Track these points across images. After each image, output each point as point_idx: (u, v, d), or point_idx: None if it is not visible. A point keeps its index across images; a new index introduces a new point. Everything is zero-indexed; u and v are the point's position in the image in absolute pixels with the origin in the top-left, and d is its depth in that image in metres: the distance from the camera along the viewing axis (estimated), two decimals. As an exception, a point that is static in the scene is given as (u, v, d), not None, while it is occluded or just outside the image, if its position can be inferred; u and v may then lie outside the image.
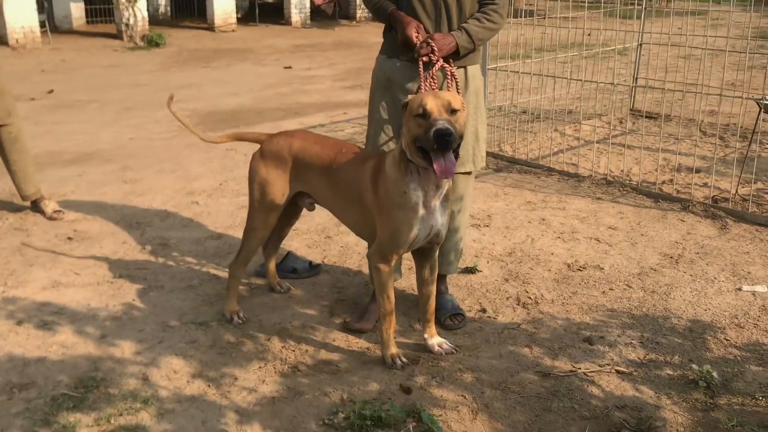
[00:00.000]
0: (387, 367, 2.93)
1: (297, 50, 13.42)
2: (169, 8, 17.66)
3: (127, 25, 13.85)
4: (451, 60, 3.00)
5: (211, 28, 15.62)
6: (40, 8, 13.43)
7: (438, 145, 2.51)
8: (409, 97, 2.71)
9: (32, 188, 4.73)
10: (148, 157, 6.13)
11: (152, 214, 4.76)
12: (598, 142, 6.13)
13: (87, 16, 15.97)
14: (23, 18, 12.86)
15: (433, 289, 3.07)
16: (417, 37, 2.94)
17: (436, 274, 3.08)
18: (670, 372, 2.88)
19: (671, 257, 4.03)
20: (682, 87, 5.43)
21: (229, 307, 3.36)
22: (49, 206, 4.71)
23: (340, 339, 3.19)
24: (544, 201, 4.96)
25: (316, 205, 3.29)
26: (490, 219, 4.61)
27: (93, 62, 11.76)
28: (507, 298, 3.56)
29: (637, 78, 7.19)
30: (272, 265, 3.67)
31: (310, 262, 3.89)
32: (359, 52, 12.91)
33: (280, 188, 3.14)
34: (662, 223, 4.54)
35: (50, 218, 4.65)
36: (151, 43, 13.58)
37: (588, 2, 6.43)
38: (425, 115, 2.56)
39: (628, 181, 5.24)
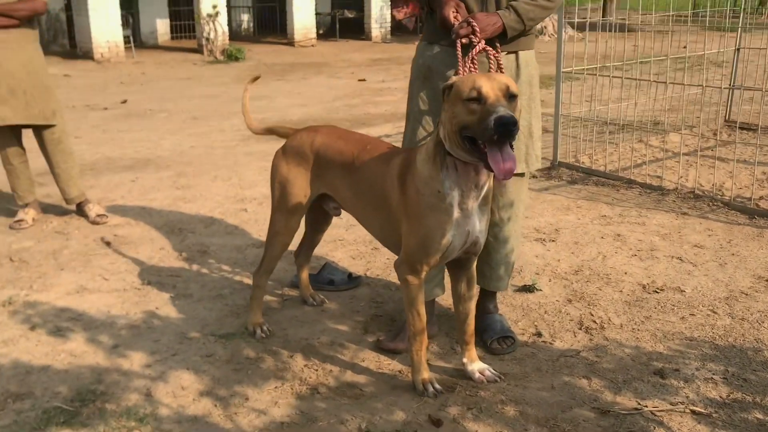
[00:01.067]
0: (417, 394, 2.53)
1: (374, 64, 13.22)
2: (252, 24, 17.91)
3: (207, 39, 14.03)
4: (497, 43, 2.59)
5: (291, 43, 15.67)
6: (125, 24, 13.77)
7: (499, 135, 2.06)
8: (454, 78, 2.28)
9: (76, 191, 4.59)
10: (205, 164, 5.96)
11: (197, 220, 4.53)
12: (687, 154, 5.54)
13: (172, 32, 16.35)
14: (108, 33, 13.22)
15: (472, 306, 2.65)
16: (455, 16, 2.55)
17: (475, 290, 2.67)
18: (760, 416, 2.35)
19: (767, 280, 3.46)
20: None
21: (253, 319, 3.05)
22: (93, 210, 4.56)
23: (371, 359, 2.82)
24: (621, 215, 4.45)
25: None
26: (557, 233, 4.14)
27: (171, 75, 11.89)
28: (568, 321, 3.10)
29: (734, 83, 6.53)
30: (305, 275, 3.34)
31: (350, 274, 3.54)
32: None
33: (301, 188, 2.81)
34: (758, 242, 3.96)
35: (93, 222, 4.49)
36: (231, 57, 13.69)
37: (683, 16, 5.90)
38: (480, 99, 2.12)
39: (719, 196, 4.66)
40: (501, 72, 2.50)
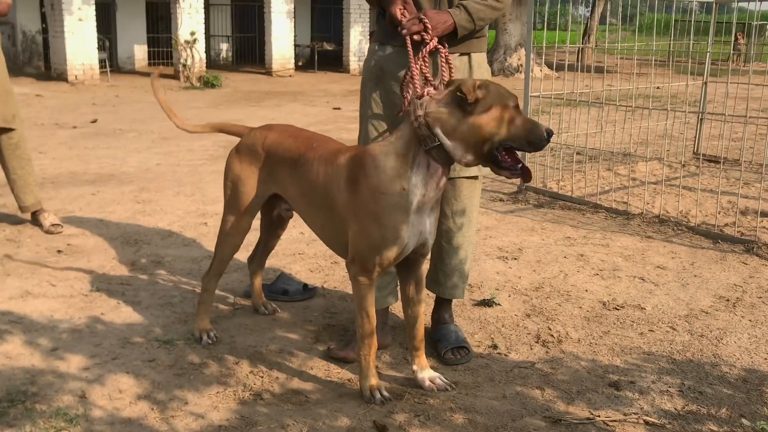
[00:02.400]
0: (364, 401, 2.43)
1: (350, 94, 13.25)
2: (230, 53, 17.94)
3: (184, 65, 14.00)
4: (445, 44, 2.54)
5: (269, 72, 15.70)
6: (101, 47, 13.72)
7: (540, 147, 2.24)
8: (470, 83, 2.20)
9: (32, 199, 4.47)
10: (169, 180, 5.86)
11: (155, 232, 4.42)
12: (654, 183, 5.55)
13: (149, 58, 16.30)
14: (84, 55, 13.14)
15: (421, 310, 2.57)
16: (403, 13, 2.50)
17: (424, 294, 2.59)
18: (714, 428, 2.28)
19: (728, 300, 3.42)
20: (745, 118, 4.86)
21: (199, 324, 2.94)
22: (48, 219, 4.43)
23: (319, 368, 2.71)
24: (586, 237, 4.42)
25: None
26: (520, 252, 4.09)
27: (144, 98, 11.81)
28: (525, 335, 3.02)
29: (703, 112, 6.57)
30: (258, 283, 3.24)
31: (305, 285, 3.45)
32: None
33: (252, 187, 2.74)
34: (720, 265, 3.94)
35: (47, 231, 4.36)
36: (207, 83, 13.66)
37: (659, 61, 5.97)
38: (516, 106, 2.23)
39: (684, 222, 4.64)
40: (451, 71, 2.47)
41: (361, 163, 2.36)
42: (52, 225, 4.41)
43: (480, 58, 2.76)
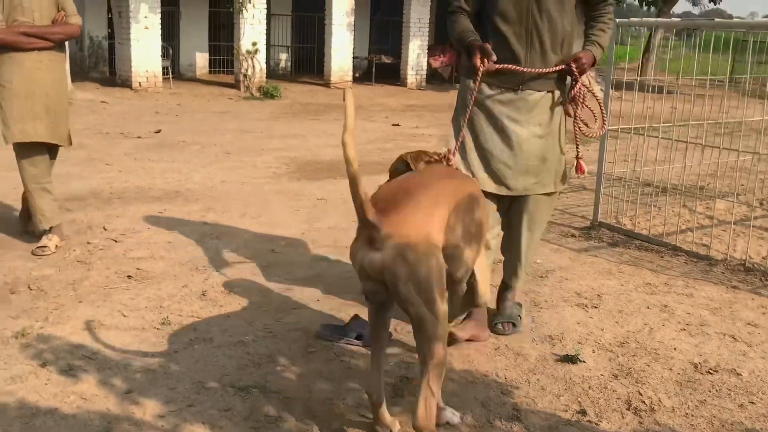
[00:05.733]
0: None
1: (408, 109, 13.17)
2: (289, 63, 18.04)
3: (245, 75, 14.10)
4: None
5: (327, 84, 15.72)
6: (165, 55, 13.91)
7: None
8: None
9: (58, 219, 4.48)
10: (234, 200, 5.83)
11: (223, 258, 4.37)
12: (735, 223, 5.30)
13: (210, 66, 16.49)
14: (148, 63, 13.34)
15: None
16: (483, 62, 2.96)
17: None
18: None
19: (831, 368, 3.20)
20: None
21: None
22: (53, 240, 4.36)
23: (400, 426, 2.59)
24: (667, 284, 4.21)
25: None
26: (599, 299, 3.91)
27: (206, 108, 11.92)
28: (615, 400, 2.86)
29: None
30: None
31: (380, 329, 3.33)
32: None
33: None
34: (816, 325, 3.70)
35: (33, 253, 4.25)
36: (267, 94, 13.72)
37: (720, 82, 5.69)
38: None
39: (771, 271, 4.41)
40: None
41: None
42: (38, 248, 4.28)
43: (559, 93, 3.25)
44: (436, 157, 2.70)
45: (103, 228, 4.85)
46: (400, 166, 2.68)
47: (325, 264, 4.35)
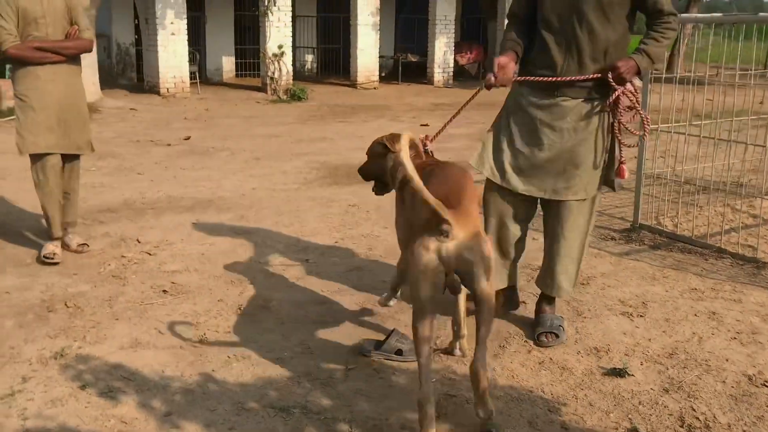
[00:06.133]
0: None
1: (436, 108, 13.06)
2: (315, 65, 18.03)
3: (271, 78, 14.11)
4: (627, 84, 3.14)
5: (353, 85, 15.68)
6: (192, 60, 13.96)
7: None
8: None
9: (75, 216, 4.67)
10: (266, 208, 5.79)
11: (257, 270, 4.33)
12: (777, 222, 5.14)
13: (237, 70, 16.53)
14: (175, 68, 13.41)
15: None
16: (496, 77, 3.12)
17: None
18: None
19: None
20: None
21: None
22: (74, 240, 4.60)
23: (447, 450, 2.52)
24: (714, 289, 4.08)
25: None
26: (645, 307, 3.79)
27: (234, 112, 11.93)
28: (667, 416, 2.75)
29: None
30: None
31: (421, 344, 3.26)
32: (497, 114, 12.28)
33: None
34: None
35: (75, 251, 4.54)
36: (294, 96, 13.71)
37: (755, 69, 5.48)
38: None
39: (821, 272, 4.25)
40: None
41: None
42: (79, 245, 4.57)
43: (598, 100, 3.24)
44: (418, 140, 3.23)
45: (137, 240, 4.84)
46: (377, 148, 3.28)
47: (360, 273, 4.29)
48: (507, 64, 3.15)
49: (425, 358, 2.51)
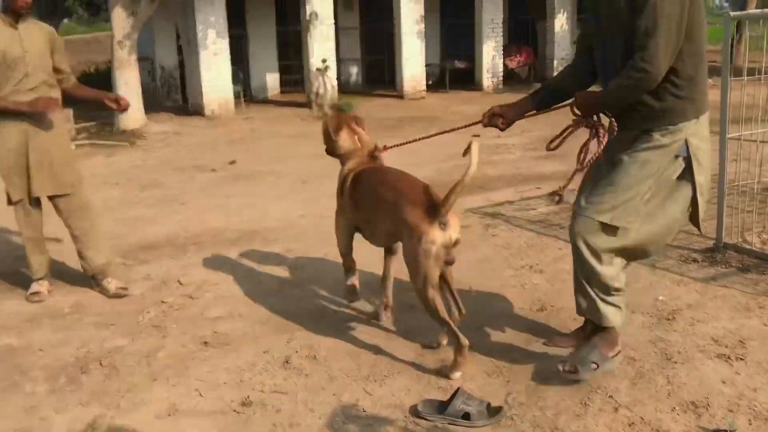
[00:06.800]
0: None
1: (487, 117, 12.61)
2: (360, 77, 17.76)
3: (316, 94, 13.87)
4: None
5: (400, 95, 15.33)
6: (236, 79, 13.82)
7: None
8: None
9: (103, 258, 4.43)
10: (314, 238, 5.47)
11: (306, 312, 4.00)
12: None
13: (281, 86, 16.37)
14: (220, 89, 13.28)
15: None
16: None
17: None
18: None
19: None
20: None
21: None
22: (113, 283, 4.42)
23: None
24: (821, 321, 3.58)
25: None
26: (744, 348, 3.32)
27: (280, 131, 11.70)
28: (793, 496, 2.31)
29: None
30: None
31: (488, 405, 2.87)
32: (555, 117, 11.78)
33: None
34: None
35: (114, 296, 4.35)
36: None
37: None
38: None
39: None
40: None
41: None
42: (118, 288, 4.39)
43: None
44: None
45: (179, 282, 4.57)
46: (326, 133, 3.83)
47: (416, 314, 3.90)
48: (506, 113, 3.31)
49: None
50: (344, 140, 3.72)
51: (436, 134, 3.85)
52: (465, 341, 3.12)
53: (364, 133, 3.76)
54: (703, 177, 2.98)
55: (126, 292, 4.37)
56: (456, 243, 3.11)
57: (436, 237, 3.04)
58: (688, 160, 2.93)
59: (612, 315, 3.06)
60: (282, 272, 4.72)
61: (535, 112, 3.29)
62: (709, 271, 4.35)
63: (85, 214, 4.38)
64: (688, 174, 2.94)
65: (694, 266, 4.45)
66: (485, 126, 3.31)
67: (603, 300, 3.03)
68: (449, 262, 3.16)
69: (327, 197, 6.87)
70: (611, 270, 3.00)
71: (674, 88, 2.86)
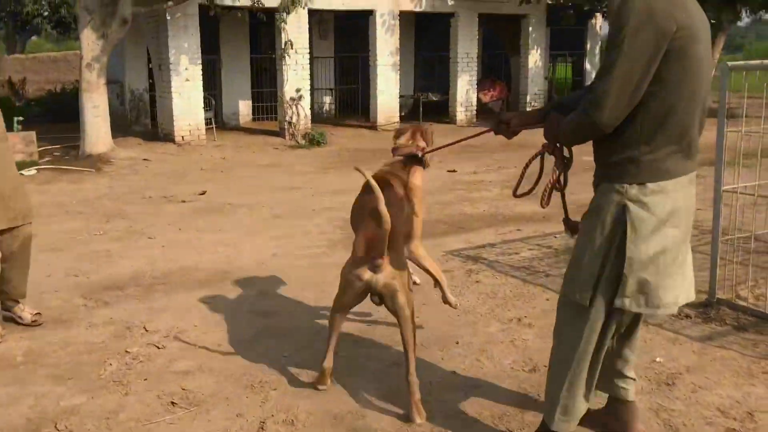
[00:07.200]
0: None
1: (462, 151, 12.41)
2: (333, 106, 17.59)
3: (289, 123, 13.64)
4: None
5: (373, 126, 15.18)
6: (208, 106, 13.54)
7: None
8: None
9: (26, 286, 4.38)
10: (289, 281, 5.19)
11: (281, 367, 3.72)
12: None
13: (254, 114, 16.11)
14: (190, 115, 12.99)
15: None
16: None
17: None
18: None
19: None
20: None
21: None
22: (26, 311, 4.32)
23: None
24: (828, 388, 3.41)
25: None
26: (752, 420, 3.12)
27: (251, 160, 11.44)
28: None
29: None
30: None
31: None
32: (531, 153, 11.66)
33: None
34: None
35: (33, 323, 4.28)
36: (313, 141, 13.23)
37: None
38: None
39: None
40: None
41: None
42: (34, 315, 4.32)
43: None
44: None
45: (144, 329, 4.26)
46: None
47: (401, 371, 3.65)
48: (510, 120, 3.12)
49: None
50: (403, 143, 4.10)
51: (456, 142, 4.00)
52: (329, 363, 3.43)
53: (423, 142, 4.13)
54: (639, 253, 2.51)
55: (41, 319, 4.31)
56: (386, 287, 3.18)
57: (363, 274, 3.19)
58: (623, 228, 2.53)
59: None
60: (255, 319, 4.43)
61: (536, 124, 3.06)
62: (704, 329, 4.17)
63: (28, 243, 4.31)
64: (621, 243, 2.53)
65: (687, 323, 4.27)
66: (496, 134, 3.21)
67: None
68: (376, 303, 3.33)
69: (301, 234, 6.65)
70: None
71: (622, 143, 2.50)
